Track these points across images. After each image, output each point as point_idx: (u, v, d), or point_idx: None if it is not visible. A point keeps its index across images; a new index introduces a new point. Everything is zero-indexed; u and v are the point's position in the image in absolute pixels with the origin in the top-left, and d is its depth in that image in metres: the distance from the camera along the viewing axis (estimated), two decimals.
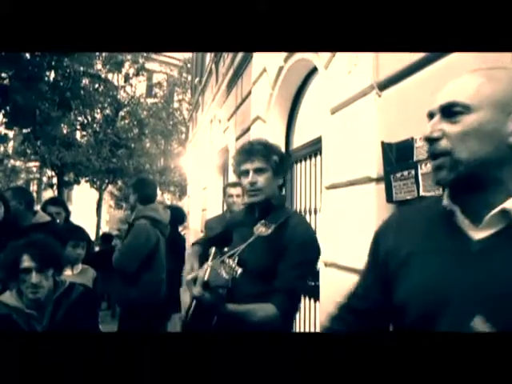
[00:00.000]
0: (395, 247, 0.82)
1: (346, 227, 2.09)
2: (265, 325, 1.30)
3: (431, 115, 0.74)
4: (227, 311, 1.24)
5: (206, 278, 1.16)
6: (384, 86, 1.78)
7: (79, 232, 2.64)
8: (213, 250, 1.40)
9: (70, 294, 1.87)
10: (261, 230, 1.35)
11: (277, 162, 1.48)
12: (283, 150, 1.59)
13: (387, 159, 1.66)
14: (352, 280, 2.08)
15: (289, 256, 1.37)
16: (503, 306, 0.64)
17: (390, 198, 1.66)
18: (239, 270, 1.16)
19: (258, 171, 1.45)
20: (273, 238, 1.35)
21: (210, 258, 1.34)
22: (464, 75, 0.73)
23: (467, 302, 0.68)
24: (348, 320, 0.91)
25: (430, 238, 0.77)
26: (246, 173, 1.46)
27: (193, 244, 1.81)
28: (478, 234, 0.70)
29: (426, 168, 1.47)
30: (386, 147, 1.66)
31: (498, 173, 0.68)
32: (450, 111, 0.70)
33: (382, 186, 1.71)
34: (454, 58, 1.38)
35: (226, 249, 1.66)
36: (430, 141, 0.72)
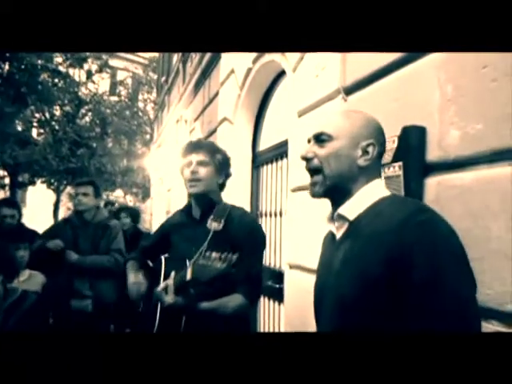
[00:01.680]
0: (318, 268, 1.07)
1: (310, 229, 2.11)
2: (236, 315, 1.38)
3: (309, 141, 0.96)
4: (202, 309, 1.28)
5: (188, 277, 1.21)
6: (350, 90, 1.81)
7: (18, 233, 2.50)
8: (163, 259, 1.48)
9: (23, 303, 1.78)
10: (214, 225, 1.45)
11: (220, 160, 1.57)
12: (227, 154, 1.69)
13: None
14: (309, 282, 2.08)
15: (243, 246, 1.44)
16: (344, 285, 0.85)
17: None
18: (235, 256, 1.20)
19: (200, 163, 1.52)
20: (224, 231, 1.46)
21: (163, 268, 1.44)
22: (334, 112, 1.01)
23: (327, 288, 0.91)
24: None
25: (325, 248, 1.01)
26: (190, 164, 1.53)
27: (126, 260, 1.79)
28: (337, 235, 0.93)
29: (389, 171, 1.50)
30: None
31: (350, 186, 0.91)
32: (319, 138, 0.93)
33: None
34: (416, 66, 1.42)
35: (166, 255, 1.69)
36: (306, 160, 0.94)
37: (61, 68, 9.11)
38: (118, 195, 14.65)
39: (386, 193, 0.91)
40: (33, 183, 9.27)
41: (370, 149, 0.91)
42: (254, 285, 1.48)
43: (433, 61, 1.34)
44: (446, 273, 0.75)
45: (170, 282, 1.28)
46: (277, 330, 2.72)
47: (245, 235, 1.47)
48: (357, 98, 1.78)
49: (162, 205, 8.37)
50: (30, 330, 1.80)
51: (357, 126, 0.92)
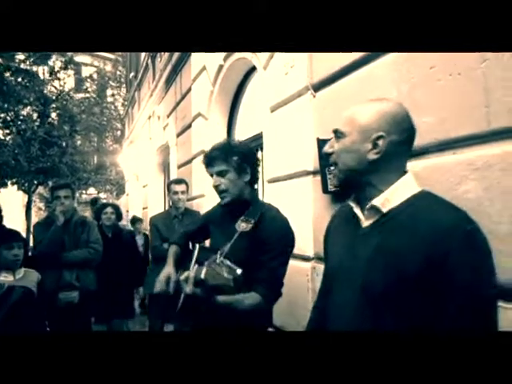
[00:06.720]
0: (329, 247, 1.08)
1: (286, 216, 2.25)
2: (251, 312, 1.42)
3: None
4: (218, 302, 1.34)
5: (202, 277, 1.26)
6: (318, 87, 1.96)
7: (10, 234, 2.55)
8: (197, 247, 1.49)
9: (10, 297, 1.87)
10: (242, 226, 1.48)
11: (237, 161, 1.55)
12: (246, 147, 1.64)
13: (322, 154, 1.84)
14: (293, 266, 2.23)
15: (270, 248, 1.48)
16: (375, 276, 0.87)
17: (325, 189, 1.84)
18: (239, 270, 1.26)
19: (219, 174, 1.55)
20: (253, 232, 1.48)
21: (195, 256, 1.44)
22: (352, 108, 0.98)
23: (352, 274, 0.92)
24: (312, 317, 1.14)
25: (342, 229, 1.03)
26: (211, 176, 1.58)
27: (170, 243, 1.84)
28: (365, 223, 0.94)
29: None
30: (321, 143, 1.83)
31: (368, 178, 0.92)
32: (336, 134, 0.97)
33: (318, 178, 1.89)
34: (374, 66, 1.58)
35: (207, 243, 1.77)
36: (327, 154, 0.99)
37: (23, 66, 8.81)
38: (92, 193, 14.40)
39: (417, 188, 0.91)
40: (4, 185, 8.99)
41: (380, 141, 0.89)
42: (275, 286, 1.51)
43: (388, 62, 1.50)
44: (481, 281, 0.79)
45: (192, 274, 1.31)
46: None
47: (275, 238, 1.49)
48: (324, 95, 1.93)
49: (138, 201, 8.34)
50: (21, 322, 1.88)
51: (367, 119, 0.91)
